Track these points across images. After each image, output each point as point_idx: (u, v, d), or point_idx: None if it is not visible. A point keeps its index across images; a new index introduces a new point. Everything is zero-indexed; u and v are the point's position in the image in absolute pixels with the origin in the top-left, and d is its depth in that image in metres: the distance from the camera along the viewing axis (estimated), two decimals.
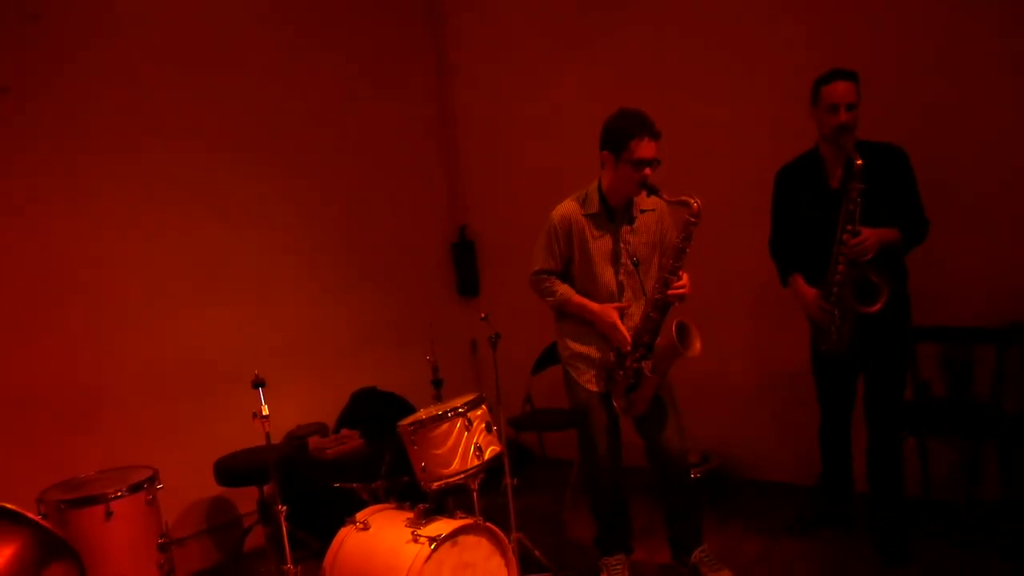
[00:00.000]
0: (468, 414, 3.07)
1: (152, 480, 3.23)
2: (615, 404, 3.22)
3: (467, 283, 5.63)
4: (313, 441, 4.25)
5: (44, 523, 1.17)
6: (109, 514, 3.05)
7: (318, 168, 4.83)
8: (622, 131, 3.03)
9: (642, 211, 3.23)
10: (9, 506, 1.16)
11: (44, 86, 3.69)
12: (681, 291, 3.01)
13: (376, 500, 3.35)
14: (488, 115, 5.44)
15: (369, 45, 5.19)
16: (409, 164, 5.41)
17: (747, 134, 4.14)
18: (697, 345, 2.99)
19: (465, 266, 5.63)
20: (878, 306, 3.03)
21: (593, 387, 3.27)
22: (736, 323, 4.30)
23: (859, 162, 2.98)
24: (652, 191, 3.02)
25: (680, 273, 3.01)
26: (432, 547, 2.70)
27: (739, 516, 3.96)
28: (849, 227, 3.05)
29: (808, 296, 3.30)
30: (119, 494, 3.08)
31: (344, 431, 4.37)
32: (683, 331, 2.99)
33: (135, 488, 3.14)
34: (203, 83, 4.29)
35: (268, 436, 2.81)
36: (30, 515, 1.16)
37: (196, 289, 4.19)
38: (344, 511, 3.19)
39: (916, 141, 3.23)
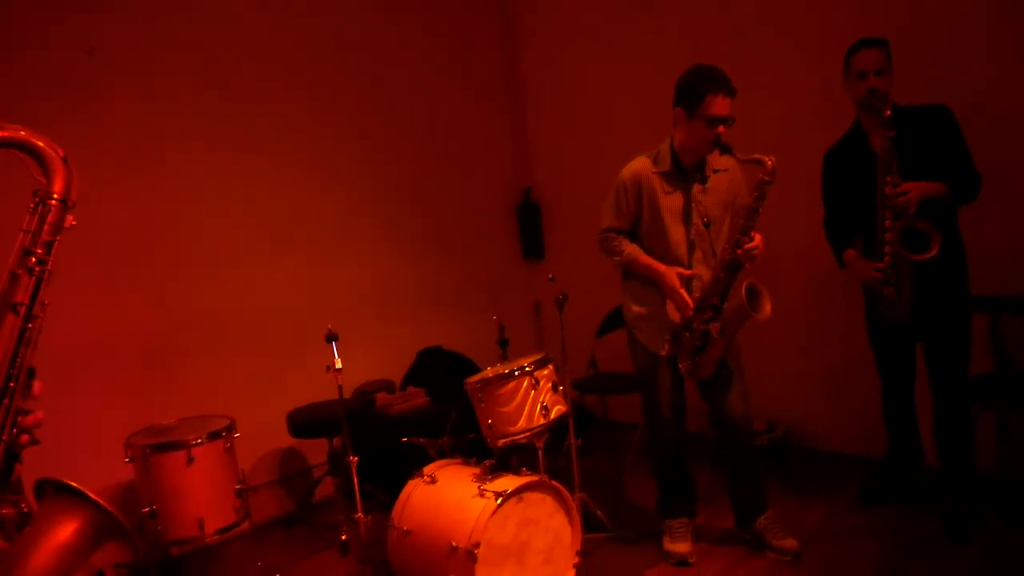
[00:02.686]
0: (535, 373, 3.10)
1: (230, 429, 3.37)
2: (680, 366, 3.20)
3: (532, 245, 5.64)
4: (380, 397, 4.35)
5: (103, 503, 1.22)
6: (190, 459, 3.19)
7: (388, 128, 4.88)
8: (696, 87, 2.97)
9: (715, 171, 3.18)
10: (73, 484, 1.21)
11: (127, 49, 3.80)
12: (753, 251, 2.96)
13: (442, 455, 3.42)
14: (556, 76, 5.39)
15: (439, 6, 5.19)
16: (476, 126, 5.42)
17: (819, 104, 4.00)
18: (767, 308, 2.94)
19: (530, 228, 5.63)
20: (933, 252, 2.96)
21: (658, 349, 3.25)
22: (803, 291, 4.21)
23: (887, 112, 2.96)
24: (725, 149, 2.96)
25: (752, 234, 2.96)
26: (498, 502, 2.75)
27: (803, 486, 3.91)
28: (888, 178, 3.01)
29: (860, 266, 3.24)
30: (199, 441, 3.22)
31: (410, 388, 4.46)
32: (753, 293, 2.94)
33: (214, 436, 3.28)
34: (275, 48, 4.37)
35: (341, 389, 2.88)
36: (91, 494, 1.21)
37: (272, 246, 4.32)
38: (411, 465, 3.26)
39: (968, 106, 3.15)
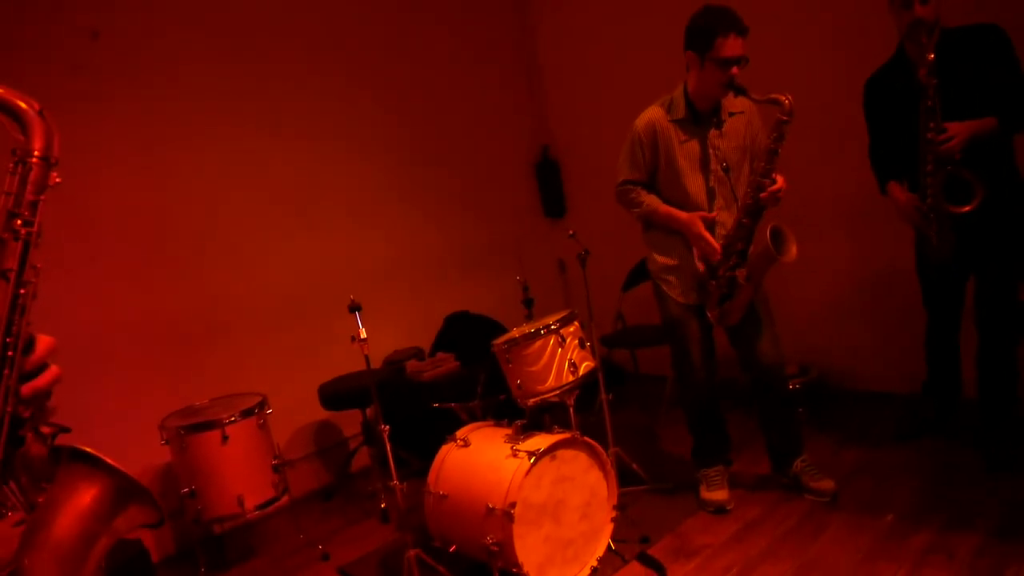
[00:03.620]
0: (561, 331, 3.07)
1: (262, 405, 3.40)
2: (708, 315, 3.16)
3: (553, 203, 5.58)
4: (410, 365, 4.36)
5: (120, 468, 1.21)
6: (225, 438, 3.23)
7: (404, 93, 4.84)
8: (707, 28, 2.88)
9: (731, 114, 3.10)
10: (88, 450, 1.20)
11: (134, 30, 3.77)
12: (776, 194, 2.89)
13: (474, 419, 3.42)
14: (568, 30, 5.28)
15: None
16: (491, 87, 5.34)
17: (843, 32, 3.88)
18: (793, 249, 2.88)
19: (550, 186, 5.57)
20: (971, 206, 2.86)
21: (684, 299, 3.21)
22: (833, 228, 4.12)
23: (931, 56, 2.82)
24: (739, 91, 2.88)
25: (774, 176, 2.89)
26: (532, 461, 2.75)
27: (838, 427, 3.87)
28: (932, 125, 2.88)
29: (903, 200, 3.14)
30: (232, 419, 3.26)
31: (440, 354, 4.47)
32: (778, 235, 2.88)
33: (247, 413, 3.31)
34: (292, 21, 4.34)
35: (367, 359, 2.88)
36: (108, 460, 1.20)
37: (293, 219, 4.32)
38: (444, 430, 3.27)
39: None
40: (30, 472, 1.15)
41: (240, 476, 3.29)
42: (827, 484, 3.17)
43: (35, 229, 1.18)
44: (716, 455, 3.43)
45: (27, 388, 1.14)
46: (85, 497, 1.20)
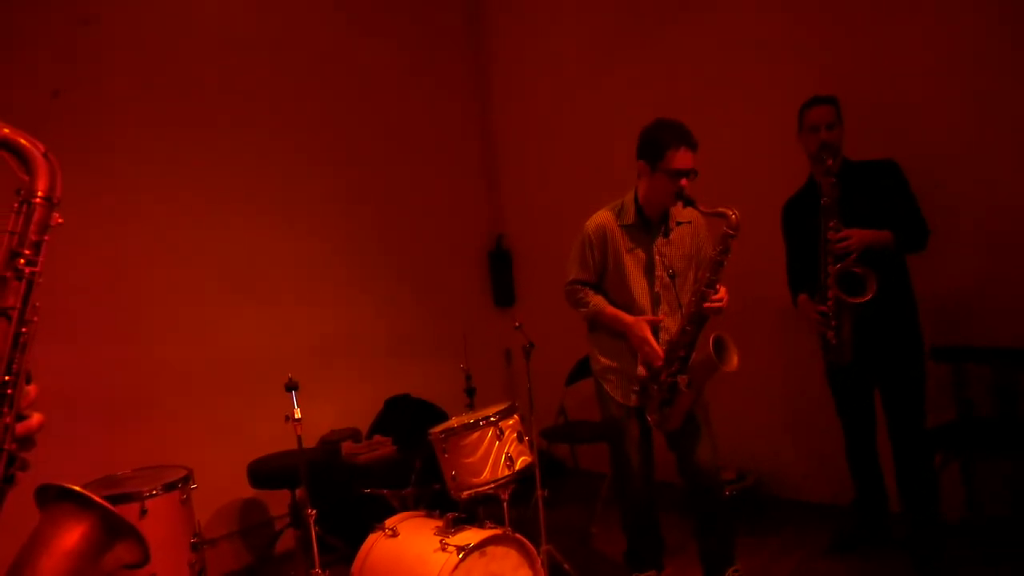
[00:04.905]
0: (500, 423, 3.06)
1: (186, 480, 3.27)
2: (648, 418, 3.17)
3: (503, 293, 5.63)
4: (346, 446, 4.27)
5: (109, 506, 1.20)
6: (143, 512, 3.09)
7: (357, 175, 4.88)
8: (658, 140, 3.00)
9: (678, 223, 3.20)
10: (77, 488, 1.19)
11: (90, 90, 3.78)
12: (717, 304, 2.96)
13: (406, 507, 3.35)
14: (527, 126, 5.45)
15: (409, 55, 5.24)
16: (447, 174, 5.43)
17: (777, 155, 4.07)
18: (735, 360, 2.94)
19: (501, 275, 5.63)
20: (869, 295, 3.07)
21: (625, 401, 3.23)
22: (770, 341, 4.22)
23: (829, 161, 3.15)
24: (688, 202, 2.98)
25: (718, 286, 2.96)
26: (460, 556, 2.68)
27: (773, 535, 3.87)
28: (831, 223, 3.15)
29: (808, 306, 3.37)
30: (154, 492, 3.12)
31: (377, 437, 4.38)
32: (720, 345, 2.93)
33: (169, 487, 3.18)
34: (241, 94, 4.38)
35: (300, 440, 2.83)
36: (96, 498, 1.19)
37: (232, 292, 4.26)
38: (374, 517, 3.19)
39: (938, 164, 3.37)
40: None
41: (156, 554, 3.11)
42: None
43: (38, 269, 1.20)
44: (649, 559, 3.39)
45: (21, 427, 1.15)
46: (72, 536, 1.19)
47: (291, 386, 2.85)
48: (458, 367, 3.56)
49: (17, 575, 1.14)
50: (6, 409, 1.13)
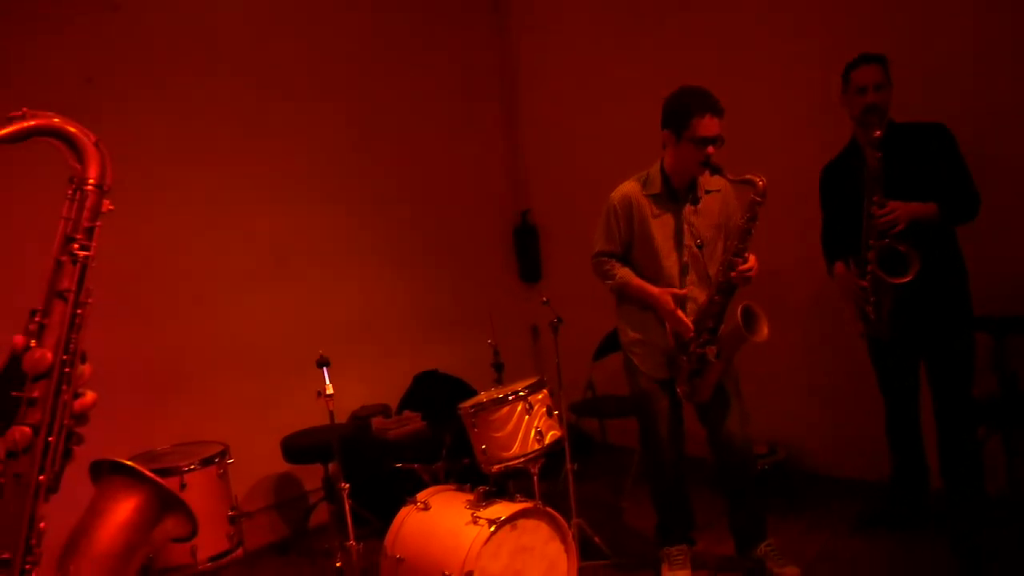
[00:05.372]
0: (529, 398, 3.07)
1: (223, 455, 3.34)
2: (678, 390, 3.16)
3: (529, 268, 5.62)
4: (376, 422, 4.32)
5: (159, 480, 1.24)
6: (183, 486, 3.16)
7: (384, 152, 4.89)
8: (684, 108, 2.97)
9: (706, 192, 3.16)
10: (128, 463, 1.27)
11: (123, 76, 3.82)
12: (746, 273, 2.93)
13: (436, 481, 3.38)
14: (552, 98, 5.40)
15: (434, 28, 5.21)
16: (472, 150, 5.42)
17: (812, 121, 4.00)
18: (764, 330, 2.91)
19: (527, 251, 5.62)
20: (909, 276, 2.95)
21: (654, 373, 3.22)
22: (801, 310, 4.17)
23: (877, 133, 2.95)
24: (715, 170, 2.94)
25: (746, 255, 2.94)
26: (492, 529, 2.71)
27: (805, 511, 3.84)
28: (875, 199, 3.00)
29: (846, 278, 3.24)
30: (192, 467, 3.19)
31: (407, 412, 4.43)
32: (749, 315, 2.91)
33: (207, 462, 3.25)
34: (270, 74, 4.40)
35: (332, 415, 2.86)
36: (147, 472, 1.23)
37: (265, 271, 4.31)
38: (405, 491, 3.22)
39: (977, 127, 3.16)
40: None
41: None
42: (792, 571, 3.12)
43: (91, 253, 1.24)
44: (680, 534, 3.38)
45: (78, 404, 1.20)
46: (126, 508, 1.26)
47: (322, 362, 2.89)
48: (485, 343, 3.58)
49: (76, 545, 1.19)
50: (65, 387, 1.17)
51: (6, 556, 1.07)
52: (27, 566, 1.08)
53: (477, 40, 5.51)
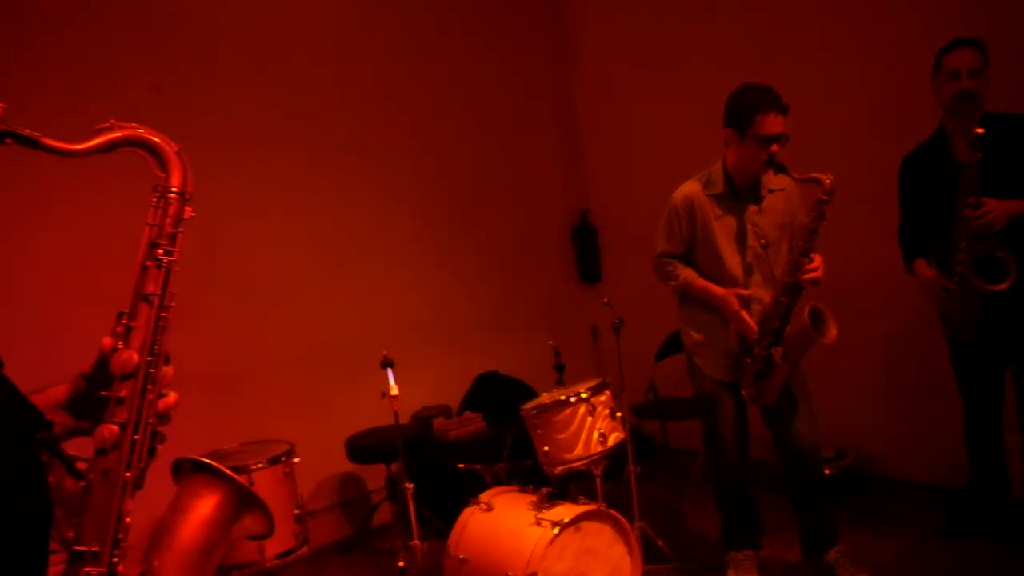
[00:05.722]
0: (591, 399, 3.05)
1: (289, 454, 3.40)
2: (743, 393, 3.11)
3: (588, 269, 5.59)
4: (438, 422, 4.35)
5: (238, 478, 1.27)
6: (251, 484, 3.22)
7: (443, 153, 4.92)
8: (747, 106, 2.91)
9: (770, 191, 3.10)
10: (209, 461, 1.31)
11: (190, 87, 3.94)
12: (813, 274, 2.87)
13: (499, 482, 3.38)
14: (611, 97, 5.36)
15: (493, 28, 5.23)
16: (531, 151, 5.42)
17: (883, 113, 3.88)
18: (832, 331, 2.84)
19: (587, 251, 5.59)
20: (1006, 284, 2.81)
21: (719, 375, 3.17)
22: (873, 311, 4.05)
23: (979, 130, 2.78)
24: (780, 169, 2.88)
25: (813, 255, 2.87)
26: (556, 531, 2.71)
27: (877, 517, 3.73)
28: (971, 200, 2.86)
29: (928, 277, 3.10)
30: (260, 466, 3.26)
31: (468, 413, 4.45)
32: (817, 316, 2.85)
33: (274, 460, 3.32)
34: (331, 80, 4.47)
35: (396, 416, 2.89)
36: (227, 471, 1.26)
37: (331, 273, 4.39)
38: (467, 492, 3.24)
39: None
40: (65, 506, 1.18)
41: None
42: None
43: (175, 258, 1.31)
44: (746, 538, 3.33)
45: (161, 404, 1.25)
46: (207, 505, 1.29)
47: (387, 363, 2.92)
48: (545, 344, 3.57)
49: (159, 540, 1.23)
50: (150, 387, 1.22)
51: (95, 549, 1.10)
52: (114, 559, 1.10)
53: (535, 39, 5.50)
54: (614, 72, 5.30)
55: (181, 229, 1.33)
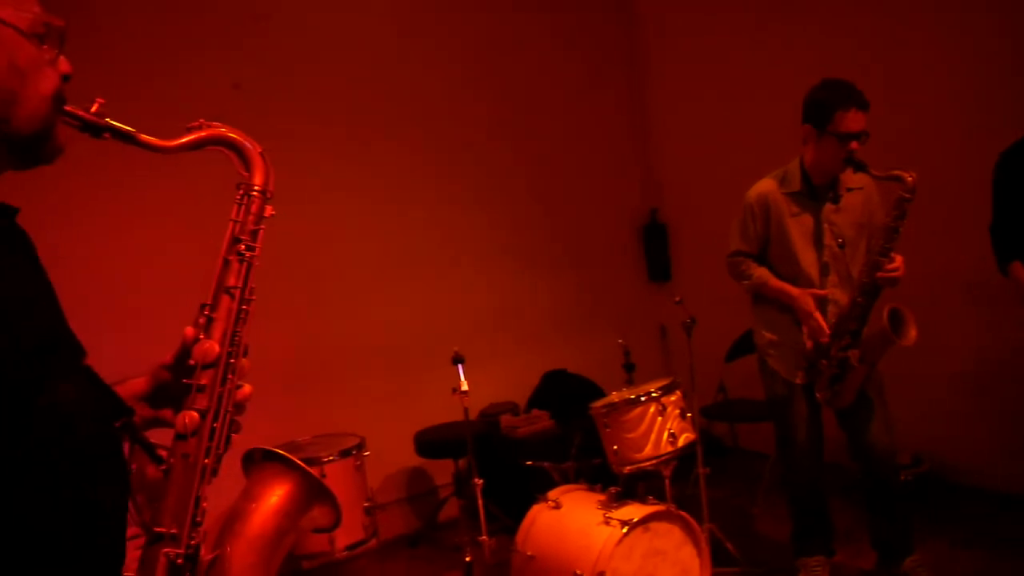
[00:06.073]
0: (662, 399, 3.03)
1: (360, 447, 3.47)
2: (817, 395, 3.04)
3: (658, 267, 5.54)
4: (505, 419, 4.37)
5: (309, 469, 1.30)
6: (323, 476, 3.30)
7: (514, 151, 4.95)
8: (825, 102, 2.84)
9: (848, 189, 3.02)
10: (281, 452, 1.33)
11: (268, 87, 4.06)
12: (893, 274, 2.78)
13: (566, 480, 3.39)
14: (683, 95, 5.31)
15: (563, 26, 5.23)
16: (602, 147, 5.40)
17: (972, 107, 3.74)
18: (912, 333, 2.76)
19: (656, 250, 5.54)
20: None
21: (792, 377, 3.11)
22: (954, 313, 3.91)
23: None
24: (859, 167, 2.80)
25: (893, 255, 2.79)
26: (624, 531, 2.69)
27: (955, 527, 3.60)
28: None
29: None
30: (331, 458, 3.33)
31: (535, 411, 4.46)
32: (897, 318, 2.76)
33: (345, 453, 3.39)
34: (403, 76, 4.54)
35: (467, 412, 2.92)
36: (298, 461, 1.29)
37: (401, 269, 4.47)
38: (533, 489, 3.25)
39: None
40: (147, 492, 1.22)
41: None
42: None
43: (256, 253, 1.35)
44: (818, 544, 3.25)
45: (239, 394, 1.28)
46: (278, 494, 1.31)
47: (458, 359, 2.95)
48: (612, 343, 3.56)
49: (232, 526, 1.26)
50: (229, 377, 1.25)
51: (174, 531, 1.13)
52: (192, 541, 1.14)
53: (609, 36, 5.48)
54: (687, 69, 5.24)
55: (262, 226, 1.37)
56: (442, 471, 4.38)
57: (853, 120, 2.79)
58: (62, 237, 3.32)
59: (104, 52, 3.57)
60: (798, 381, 3.09)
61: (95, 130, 1.14)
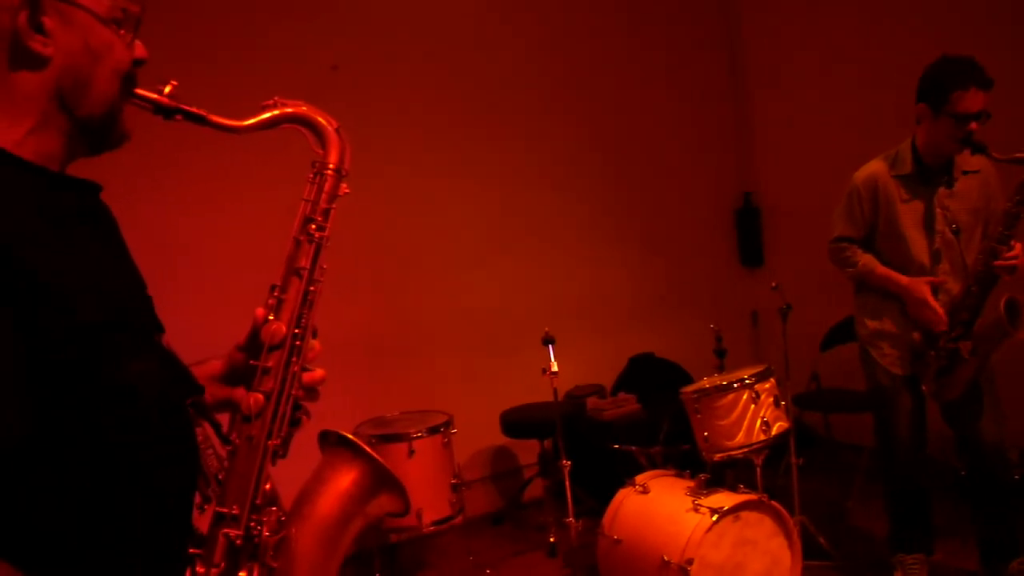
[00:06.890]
0: (755, 386, 2.96)
1: (448, 424, 3.50)
2: (924, 388, 2.91)
3: (751, 252, 5.40)
4: (591, 402, 4.35)
5: (377, 456, 1.30)
6: (411, 452, 3.35)
7: (606, 131, 4.90)
8: (943, 80, 2.69)
9: (964, 172, 2.86)
10: (350, 437, 1.32)
11: (367, 67, 4.12)
12: (1012, 262, 2.63)
13: (653, 465, 3.35)
14: (781, 74, 5.13)
15: (663, 10, 5.13)
16: (696, 130, 5.29)
17: None
18: None
19: (749, 234, 5.40)
20: None
21: (897, 369, 2.98)
22: None
23: None
24: (978, 148, 2.65)
25: (1012, 243, 2.63)
26: (714, 519, 2.65)
27: None
28: None
29: None
30: (419, 434, 3.37)
31: (621, 394, 4.43)
32: (1014, 308, 2.62)
33: (433, 430, 3.42)
34: (501, 59, 4.55)
35: (555, 392, 2.92)
36: (367, 447, 1.29)
37: (491, 249, 4.49)
38: (620, 472, 3.23)
39: None
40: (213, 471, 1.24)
41: (421, 490, 3.38)
42: None
43: (326, 234, 1.31)
44: (917, 542, 3.12)
45: (307, 377, 1.26)
46: (346, 479, 1.30)
47: (548, 340, 2.95)
48: (702, 328, 3.50)
49: (299, 508, 1.25)
50: (295, 359, 1.22)
51: (235, 512, 1.12)
52: (251, 523, 1.13)
53: (706, 19, 5.34)
54: (787, 45, 5.06)
55: (335, 205, 1.33)
56: (527, 451, 4.41)
57: (972, 100, 2.64)
58: (143, 216, 3.44)
59: (196, 31, 3.67)
60: (904, 373, 2.96)
61: (167, 112, 1.13)
